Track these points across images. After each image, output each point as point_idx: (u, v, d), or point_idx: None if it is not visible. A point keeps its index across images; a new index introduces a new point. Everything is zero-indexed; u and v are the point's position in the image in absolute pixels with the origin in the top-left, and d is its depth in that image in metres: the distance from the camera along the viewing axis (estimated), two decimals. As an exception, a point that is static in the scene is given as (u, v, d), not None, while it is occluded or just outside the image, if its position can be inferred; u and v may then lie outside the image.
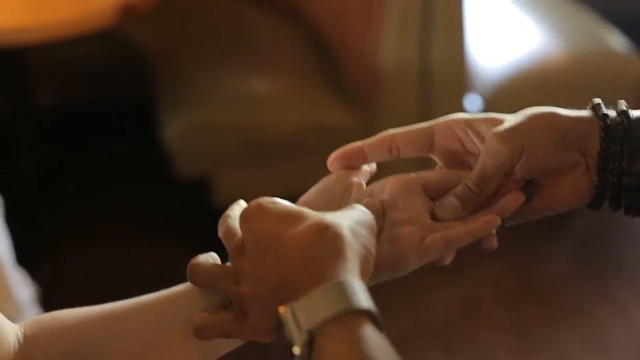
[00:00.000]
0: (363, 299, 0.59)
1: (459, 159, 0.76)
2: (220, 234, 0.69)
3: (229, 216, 0.69)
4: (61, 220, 2.49)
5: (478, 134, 0.74)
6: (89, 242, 2.47)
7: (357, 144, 0.76)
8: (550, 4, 2.64)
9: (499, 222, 0.71)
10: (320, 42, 2.50)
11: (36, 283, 1.76)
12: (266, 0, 2.65)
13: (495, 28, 2.55)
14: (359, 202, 0.71)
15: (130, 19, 2.11)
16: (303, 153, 2.31)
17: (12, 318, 1.45)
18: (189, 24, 2.61)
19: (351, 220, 0.65)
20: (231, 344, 0.70)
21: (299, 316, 0.59)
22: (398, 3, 2.17)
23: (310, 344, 0.58)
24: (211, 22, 2.60)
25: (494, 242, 0.72)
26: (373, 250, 0.65)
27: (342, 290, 0.59)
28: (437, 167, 0.77)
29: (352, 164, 0.75)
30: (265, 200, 0.66)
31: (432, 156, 0.77)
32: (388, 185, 0.73)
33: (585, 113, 0.73)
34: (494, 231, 0.72)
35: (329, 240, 0.61)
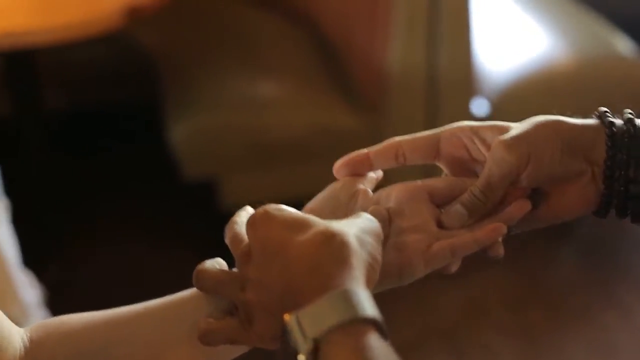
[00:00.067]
0: (368, 307, 0.59)
1: (465, 167, 0.76)
2: (227, 240, 0.69)
3: (236, 222, 0.69)
4: (68, 221, 2.50)
5: (484, 141, 0.74)
6: (96, 243, 2.48)
7: (363, 151, 0.76)
8: (557, 8, 2.64)
9: (505, 230, 0.71)
10: (327, 45, 2.50)
11: (43, 284, 1.76)
12: (274, 4, 2.66)
13: (502, 31, 2.54)
14: (365, 209, 0.71)
15: (137, 21, 2.11)
16: (309, 156, 2.31)
17: (18, 320, 1.46)
18: (196, 27, 2.61)
19: (357, 228, 0.65)
20: (236, 350, 0.70)
21: (304, 324, 0.59)
22: (405, 6, 2.17)
23: (315, 352, 0.59)
24: (218, 25, 2.60)
25: (500, 250, 0.72)
26: (379, 258, 0.65)
27: (348, 299, 0.59)
28: (443, 175, 0.77)
29: (358, 171, 0.75)
30: (272, 207, 0.66)
31: (438, 163, 0.77)
32: (394, 193, 0.74)
33: (591, 121, 0.73)
34: (500, 239, 0.72)
35: (335, 249, 0.62)
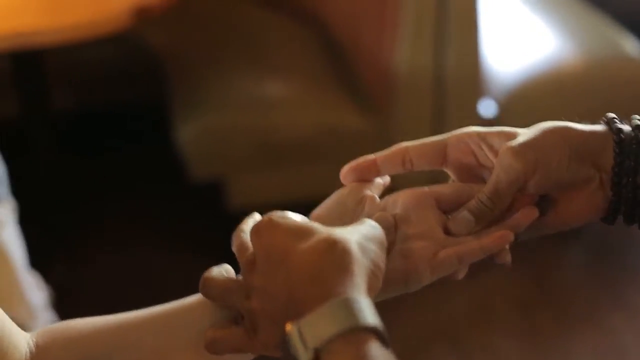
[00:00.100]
0: (369, 315, 0.59)
1: (472, 172, 0.75)
2: (233, 248, 0.69)
3: (242, 230, 0.69)
4: (75, 221, 2.50)
5: (491, 147, 0.74)
6: (103, 244, 2.48)
7: (370, 156, 0.75)
8: (565, 9, 2.63)
9: (512, 237, 0.71)
10: (335, 45, 2.50)
11: (50, 285, 1.76)
12: (281, 5, 2.65)
13: (509, 32, 2.54)
14: (371, 215, 0.71)
15: (145, 22, 2.11)
16: (317, 157, 2.31)
17: (25, 321, 1.46)
18: (204, 28, 2.61)
19: (360, 235, 0.65)
20: (242, 358, 0.70)
21: (305, 333, 0.59)
22: (412, 7, 2.17)
23: None
24: (225, 26, 2.60)
25: (507, 258, 0.72)
26: (382, 265, 0.65)
27: (349, 307, 0.59)
28: (450, 181, 0.77)
29: (365, 177, 0.75)
30: (277, 214, 0.66)
31: (445, 169, 0.77)
32: (401, 199, 0.73)
33: (599, 127, 0.73)
34: (507, 246, 0.72)
35: (336, 256, 0.61)
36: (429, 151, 0.75)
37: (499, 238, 0.71)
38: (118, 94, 2.75)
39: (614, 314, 2.28)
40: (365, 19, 2.37)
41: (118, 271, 2.38)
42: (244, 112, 2.32)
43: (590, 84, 2.39)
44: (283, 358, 0.61)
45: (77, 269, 2.38)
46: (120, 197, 2.62)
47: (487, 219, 0.72)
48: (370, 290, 0.62)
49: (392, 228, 0.70)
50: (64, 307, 1.86)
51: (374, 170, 0.75)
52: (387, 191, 0.76)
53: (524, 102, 2.34)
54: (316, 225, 0.64)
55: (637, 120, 0.73)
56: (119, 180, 2.68)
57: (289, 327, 0.60)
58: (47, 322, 1.55)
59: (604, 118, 0.74)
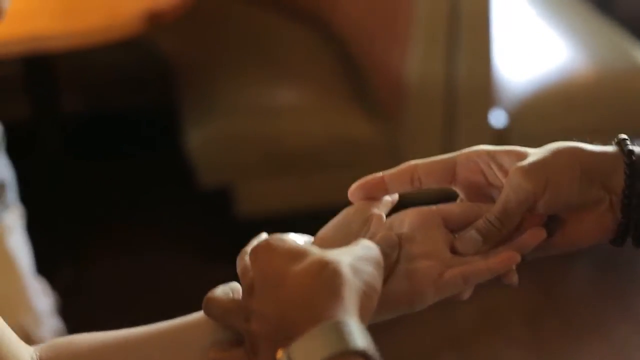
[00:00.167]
0: (359, 339, 0.58)
1: (481, 191, 0.75)
2: (237, 270, 0.69)
3: (246, 252, 0.69)
4: (84, 226, 2.50)
5: (501, 166, 0.73)
6: (111, 248, 2.48)
7: (378, 174, 0.75)
8: (577, 19, 2.62)
9: (519, 259, 0.71)
10: (346, 54, 2.50)
11: (57, 289, 1.76)
12: (293, 12, 2.65)
13: (521, 43, 2.53)
14: (376, 235, 0.71)
15: (156, 27, 2.11)
16: (326, 165, 2.31)
17: (31, 328, 1.46)
18: (215, 34, 2.61)
19: (353, 256, 0.64)
20: None
21: (295, 358, 0.59)
22: (425, 17, 2.16)
23: None
24: (236, 32, 2.60)
25: (514, 278, 0.71)
26: (377, 286, 0.64)
27: (339, 331, 0.58)
28: (458, 199, 0.77)
29: (372, 195, 0.75)
30: (274, 237, 0.66)
31: (454, 188, 0.76)
32: (408, 218, 0.73)
33: (610, 148, 0.73)
34: (514, 266, 0.71)
35: (327, 278, 0.61)
36: (438, 169, 0.75)
37: (506, 259, 0.70)
38: (128, 98, 2.76)
39: (622, 325, 2.27)
40: (378, 27, 2.37)
41: (126, 276, 2.38)
42: (254, 119, 2.32)
43: (602, 94, 2.38)
44: None
45: (85, 273, 2.38)
46: (128, 202, 2.63)
47: (495, 239, 0.72)
48: (364, 312, 0.62)
49: (396, 247, 0.70)
50: (72, 311, 1.86)
51: (382, 188, 0.75)
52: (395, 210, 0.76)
53: (535, 112, 2.33)
54: (311, 248, 0.64)
55: (648, 142, 0.72)
56: (128, 185, 2.69)
57: (279, 352, 0.60)
58: (53, 329, 1.55)
59: (615, 139, 0.73)
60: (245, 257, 0.68)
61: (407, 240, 0.71)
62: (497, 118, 2.31)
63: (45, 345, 0.72)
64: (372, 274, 0.64)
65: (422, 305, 0.70)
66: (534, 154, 0.72)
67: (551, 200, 0.71)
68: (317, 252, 0.63)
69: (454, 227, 0.73)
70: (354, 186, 0.75)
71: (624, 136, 0.73)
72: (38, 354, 0.71)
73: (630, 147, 0.72)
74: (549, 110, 2.35)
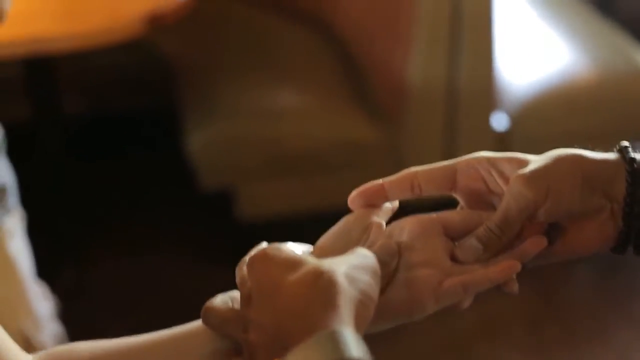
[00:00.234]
0: (354, 348, 0.58)
1: (481, 199, 0.75)
2: (236, 280, 0.68)
3: (245, 262, 0.69)
4: (84, 227, 2.50)
5: (502, 173, 0.73)
6: (112, 250, 2.48)
7: (378, 181, 0.75)
8: (579, 22, 2.62)
9: (519, 267, 0.70)
10: (348, 56, 2.50)
11: (58, 291, 1.76)
12: (295, 15, 2.65)
13: (523, 45, 2.53)
14: (375, 243, 0.70)
15: (158, 29, 2.11)
16: (327, 168, 2.31)
17: (31, 333, 1.46)
18: (216, 36, 2.61)
19: (349, 265, 0.64)
20: None
21: None
22: (427, 19, 2.16)
23: None
24: (237, 34, 2.60)
25: (514, 287, 0.71)
26: (374, 294, 0.64)
27: (334, 341, 0.58)
28: (458, 207, 0.76)
29: (372, 202, 0.74)
30: (271, 247, 0.66)
31: (454, 195, 0.76)
32: (407, 226, 0.73)
33: (611, 156, 0.72)
34: (514, 275, 0.71)
35: (322, 288, 0.61)
36: (438, 176, 0.74)
37: (507, 268, 0.70)
38: (129, 100, 2.76)
39: (623, 331, 2.26)
40: (379, 30, 2.37)
41: (127, 278, 2.38)
42: (255, 121, 2.32)
43: (603, 97, 2.38)
44: None
45: (86, 275, 2.38)
46: (130, 204, 2.63)
47: (496, 247, 0.71)
48: (360, 321, 0.61)
49: (395, 256, 0.69)
50: (73, 313, 1.86)
51: (382, 196, 0.74)
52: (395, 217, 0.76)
53: (537, 115, 2.33)
54: (307, 257, 0.64)
55: (650, 150, 0.72)
56: (129, 187, 2.69)
57: None
58: (53, 333, 1.54)
59: (617, 146, 0.73)
60: (243, 267, 0.68)
61: (407, 248, 0.71)
62: (499, 121, 2.30)
63: (44, 354, 0.72)
64: (369, 282, 0.64)
65: (422, 315, 0.69)
66: (535, 161, 0.72)
67: (552, 208, 0.71)
68: (312, 261, 0.63)
69: (454, 235, 0.73)
70: (353, 194, 0.74)
71: (625, 143, 0.72)
72: (36, 362, 0.71)
73: (632, 154, 0.71)
74: (551, 113, 2.34)
